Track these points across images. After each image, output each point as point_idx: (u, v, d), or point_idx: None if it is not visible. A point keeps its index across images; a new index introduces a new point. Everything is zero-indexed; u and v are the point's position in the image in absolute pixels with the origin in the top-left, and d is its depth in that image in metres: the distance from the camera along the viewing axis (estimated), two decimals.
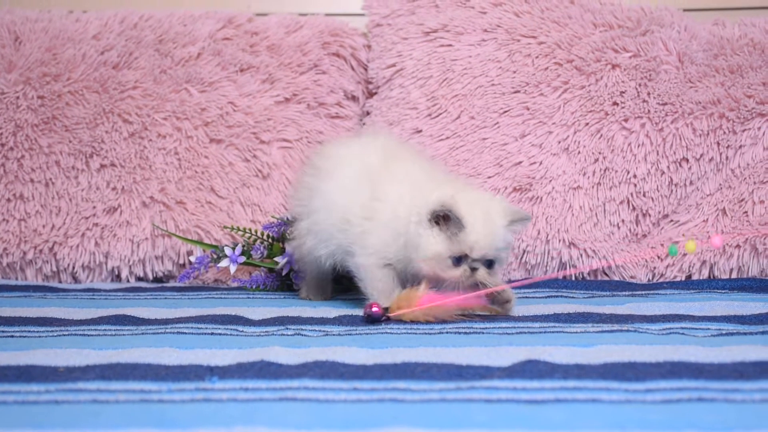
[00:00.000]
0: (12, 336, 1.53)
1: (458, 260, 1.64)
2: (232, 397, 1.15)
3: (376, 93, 2.35)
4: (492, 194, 1.90)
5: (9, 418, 1.07)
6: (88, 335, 1.53)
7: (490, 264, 1.66)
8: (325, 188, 1.82)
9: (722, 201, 2.16)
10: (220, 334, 1.55)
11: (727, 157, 2.18)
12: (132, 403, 1.13)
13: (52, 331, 1.56)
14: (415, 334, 1.53)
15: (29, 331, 1.56)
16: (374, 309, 1.64)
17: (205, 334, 1.55)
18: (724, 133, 2.18)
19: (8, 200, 2.19)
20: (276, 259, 2.07)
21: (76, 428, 1.04)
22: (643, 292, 1.94)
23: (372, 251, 1.72)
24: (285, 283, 2.08)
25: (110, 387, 1.19)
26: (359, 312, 1.72)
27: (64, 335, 1.53)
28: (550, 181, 2.18)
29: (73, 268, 2.17)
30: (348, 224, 1.75)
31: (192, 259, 2.14)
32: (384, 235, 1.71)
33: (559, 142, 2.21)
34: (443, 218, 1.63)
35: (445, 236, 1.63)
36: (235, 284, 2.13)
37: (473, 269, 1.64)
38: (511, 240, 1.70)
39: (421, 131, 2.25)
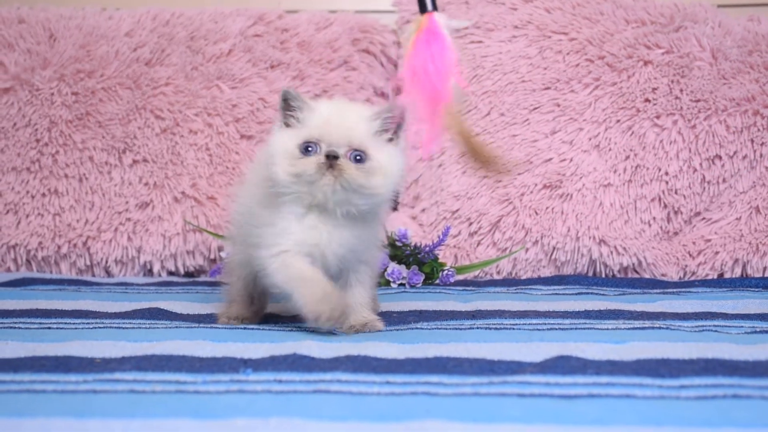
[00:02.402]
0: (49, 327, 1.55)
1: (306, 149, 1.44)
2: (267, 389, 1.16)
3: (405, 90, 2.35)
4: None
5: (49, 407, 1.09)
6: (123, 328, 1.55)
7: (358, 160, 1.44)
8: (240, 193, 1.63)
9: (756, 199, 2.15)
10: (252, 329, 1.56)
11: (761, 155, 2.16)
12: (168, 394, 1.14)
13: (88, 323, 1.58)
14: (446, 330, 1.53)
15: (66, 323, 1.58)
16: None
17: (238, 328, 1.57)
18: (759, 130, 2.17)
19: (43, 195, 2.22)
20: None
21: (115, 417, 1.05)
22: (675, 290, 1.93)
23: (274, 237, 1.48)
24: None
25: (146, 378, 1.21)
26: (387, 307, 1.72)
27: (100, 327, 1.55)
28: (581, 178, 2.17)
29: (107, 262, 2.19)
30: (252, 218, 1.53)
31: (223, 254, 2.16)
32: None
33: (590, 139, 2.20)
34: (288, 108, 1.47)
35: (293, 129, 1.46)
36: None
37: (331, 158, 1.42)
38: (387, 138, 1.47)
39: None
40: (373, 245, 1.54)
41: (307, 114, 1.45)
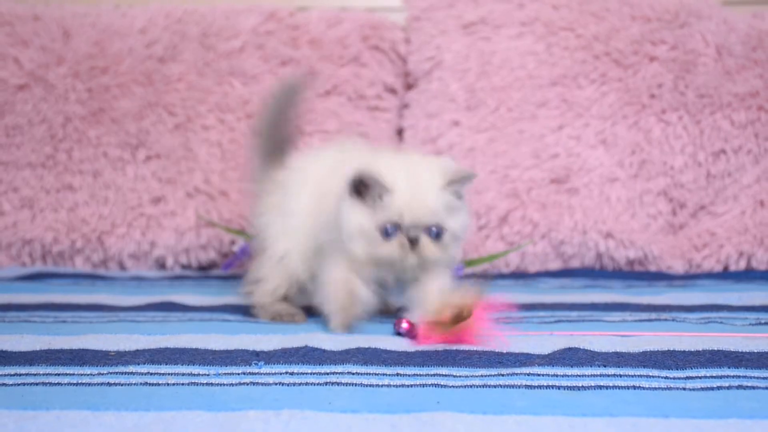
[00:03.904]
0: (64, 321, 1.57)
1: (388, 232, 1.43)
2: (279, 381, 1.18)
3: (415, 86, 2.37)
4: (430, 156, 1.62)
5: (64, 399, 1.10)
6: (137, 321, 1.57)
7: (437, 236, 1.44)
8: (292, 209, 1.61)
9: (760, 192, 2.16)
10: (263, 323, 1.58)
11: (765, 149, 2.17)
12: (181, 386, 1.16)
13: (102, 317, 1.60)
14: None
15: (80, 317, 1.60)
16: (404, 325, 1.45)
17: (249, 321, 1.58)
18: (763, 125, 2.18)
19: (58, 191, 2.24)
20: None
21: (129, 409, 1.07)
22: (681, 283, 1.94)
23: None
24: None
25: (160, 370, 1.22)
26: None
27: (114, 321, 1.57)
28: (588, 172, 2.19)
29: (120, 256, 2.21)
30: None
31: (235, 248, 2.17)
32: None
33: (597, 134, 2.21)
34: (364, 187, 1.43)
35: (367, 206, 1.43)
36: None
37: (412, 241, 1.42)
38: (457, 204, 1.46)
39: (459, 123, 2.27)
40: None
41: (385, 195, 1.42)
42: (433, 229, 1.43)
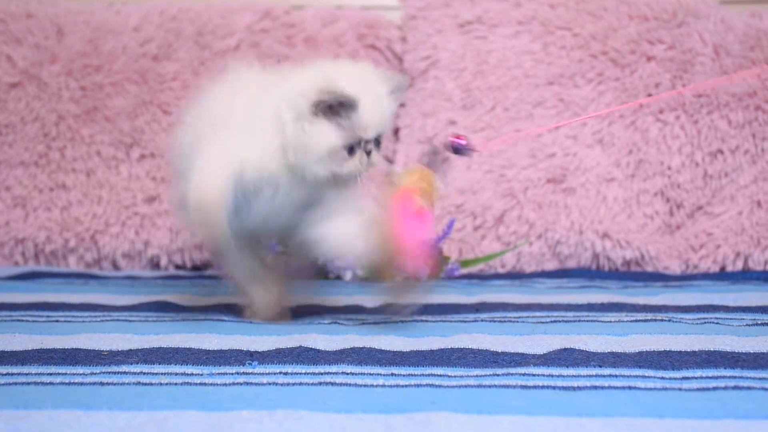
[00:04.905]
0: (57, 321, 1.56)
1: (352, 148, 1.40)
2: (273, 381, 1.17)
3: (411, 85, 2.37)
4: (362, 64, 1.52)
5: (56, 399, 1.10)
6: (130, 321, 1.56)
7: (377, 143, 1.43)
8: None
9: (757, 193, 2.15)
10: (258, 322, 1.57)
11: (762, 149, 2.17)
12: (175, 386, 1.16)
13: (95, 316, 1.60)
14: (451, 322, 1.55)
15: (73, 316, 1.59)
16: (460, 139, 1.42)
17: (244, 322, 1.58)
18: (760, 125, 2.17)
19: (51, 189, 2.23)
20: None
21: (122, 408, 1.06)
22: (677, 283, 1.94)
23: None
24: (320, 271, 2.10)
25: (153, 370, 1.22)
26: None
27: (107, 320, 1.56)
28: (584, 172, 2.18)
29: (114, 255, 2.20)
30: None
31: None
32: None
33: (593, 134, 2.21)
34: (328, 107, 1.38)
35: (336, 125, 1.38)
36: None
37: (368, 153, 1.41)
38: (395, 109, 1.46)
39: (455, 122, 2.26)
40: None
41: (353, 113, 1.38)
42: (378, 138, 1.43)
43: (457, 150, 1.44)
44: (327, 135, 1.38)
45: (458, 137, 1.44)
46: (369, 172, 1.43)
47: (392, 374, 1.20)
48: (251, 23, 2.35)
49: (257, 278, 1.58)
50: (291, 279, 1.62)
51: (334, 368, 1.22)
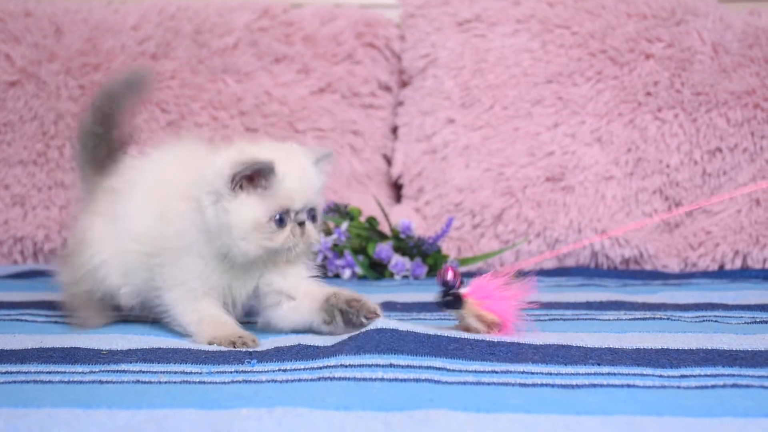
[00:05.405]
0: (56, 322, 1.56)
1: (281, 220, 1.35)
2: (271, 379, 1.17)
3: (409, 83, 2.37)
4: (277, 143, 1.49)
5: (55, 397, 1.10)
6: (129, 320, 1.56)
7: (313, 217, 1.39)
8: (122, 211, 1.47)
9: (756, 191, 2.15)
10: (255, 322, 1.57)
11: (761, 148, 2.17)
12: (174, 384, 1.15)
13: None
14: (449, 319, 1.54)
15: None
16: (449, 274, 1.37)
17: (242, 322, 1.57)
18: (759, 123, 2.18)
19: (50, 188, 2.23)
20: None
21: (121, 407, 1.06)
22: (676, 282, 1.94)
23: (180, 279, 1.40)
24: (319, 270, 2.10)
25: (152, 369, 1.22)
26: (391, 298, 1.73)
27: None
28: (583, 170, 2.18)
29: None
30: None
31: None
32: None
33: (592, 132, 2.21)
34: (246, 179, 1.33)
35: (257, 196, 1.34)
36: None
37: (300, 224, 1.37)
38: (323, 183, 1.42)
39: (454, 121, 2.26)
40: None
41: (273, 180, 1.34)
42: (312, 211, 1.39)
43: (445, 283, 1.38)
44: (249, 208, 1.34)
45: (453, 274, 1.39)
46: (307, 247, 1.40)
47: (391, 365, 1.19)
48: (250, 21, 2.35)
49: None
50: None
51: (332, 361, 1.22)
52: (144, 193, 1.44)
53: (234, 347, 1.34)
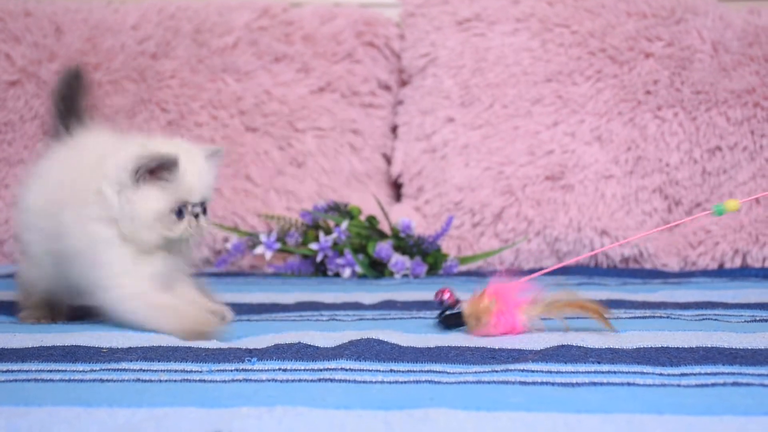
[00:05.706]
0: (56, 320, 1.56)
1: (180, 212, 1.41)
2: (272, 378, 1.17)
3: (409, 82, 2.37)
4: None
5: (56, 395, 1.10)
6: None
7: (204, 210, 1.45)
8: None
9: (756, 190, 2.16)
10: (255, 321, 1.57)
11: (761, 146, 2.18)
12: (174, 383, 1.15)
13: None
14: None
15: (72, 314, 1.59)
16: (446, 296, 1.44)
17: (242, 321, 1.58)
18: (759, 121, 2.18)
19: None
20: (311, 245, 2.10)
21: (121, 405, 1.06)
22: (676, 280, 1.94)
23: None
24: (319, 269, 2.11)
25: (152, 367, 1.22)
26: (391, 297, 1.74)
27: (106, 318, 1.56)
28: (583, 169, 2.19)
29: None
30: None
31: (228, 245, 2.17)
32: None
33: (592, 131, 2.21)
34: (149, 172, 1.39)
35: (160, 189, 1.40)
36: (270, 270, 2.16)
37: (196, 216, 1.43)
38: (215, 178, 1.48)
39: (454, 120, 2.27)
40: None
41: (175, 173, 1.39)
42: (204, 204, 1.44)
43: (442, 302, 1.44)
44: (153, 199, 1.40)
45: (449, 296, 1.43)
46: (200, 237, 1.45)
47: (391, 370, 1.20)
48: (249, 21, 2.35)
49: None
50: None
51: (333, 364, 1.22)
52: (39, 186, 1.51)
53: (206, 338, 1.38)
